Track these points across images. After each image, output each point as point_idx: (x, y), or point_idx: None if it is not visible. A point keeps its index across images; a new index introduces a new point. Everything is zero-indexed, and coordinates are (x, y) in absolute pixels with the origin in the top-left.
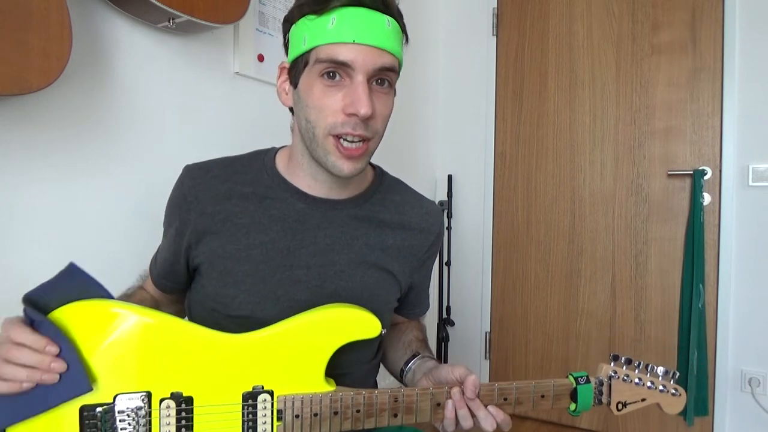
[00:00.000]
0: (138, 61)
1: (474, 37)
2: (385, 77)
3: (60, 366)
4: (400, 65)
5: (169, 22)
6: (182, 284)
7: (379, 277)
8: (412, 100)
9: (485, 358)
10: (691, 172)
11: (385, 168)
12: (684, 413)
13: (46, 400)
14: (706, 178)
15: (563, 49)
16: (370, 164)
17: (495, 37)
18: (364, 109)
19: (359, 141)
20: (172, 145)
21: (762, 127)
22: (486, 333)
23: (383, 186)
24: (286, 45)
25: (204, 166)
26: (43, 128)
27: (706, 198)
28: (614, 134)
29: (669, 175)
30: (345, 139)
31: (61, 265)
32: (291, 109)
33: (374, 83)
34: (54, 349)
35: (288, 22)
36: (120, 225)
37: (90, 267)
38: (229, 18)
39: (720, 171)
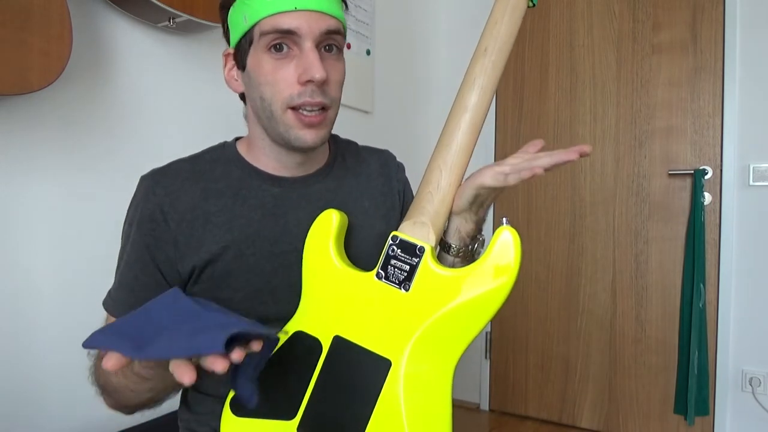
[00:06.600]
0: (138, 61)
1: (475, 36)
2: (332, 42)
3: None
4: (344, 29)
5: (169, 21)
6: None
7: (368, 238)
8: (413, 100)
9: (485, 358)
10: (692, 171)
11: None
12: (685, 412)
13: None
14: (706, 177)
15: (564, 49)
16: None
17: None
18: (318, 74)
19: (319, 109)
20: (171, 145)
21: (763, 126)
22: (486, 333)
23: (339, 151)
24: (226, 33)
25: (170, 171)
26: (43, 128)
27: (707, 197)
28: (615, 134)
29: (670, 175)
30: (304, 110)
31: (60, 265)
32: (242, 98)
33: (323, 50)
34: None
35: (224, 8)
36: (119, 224)
37: (90, 267)
38: None
39: (721, 170)
